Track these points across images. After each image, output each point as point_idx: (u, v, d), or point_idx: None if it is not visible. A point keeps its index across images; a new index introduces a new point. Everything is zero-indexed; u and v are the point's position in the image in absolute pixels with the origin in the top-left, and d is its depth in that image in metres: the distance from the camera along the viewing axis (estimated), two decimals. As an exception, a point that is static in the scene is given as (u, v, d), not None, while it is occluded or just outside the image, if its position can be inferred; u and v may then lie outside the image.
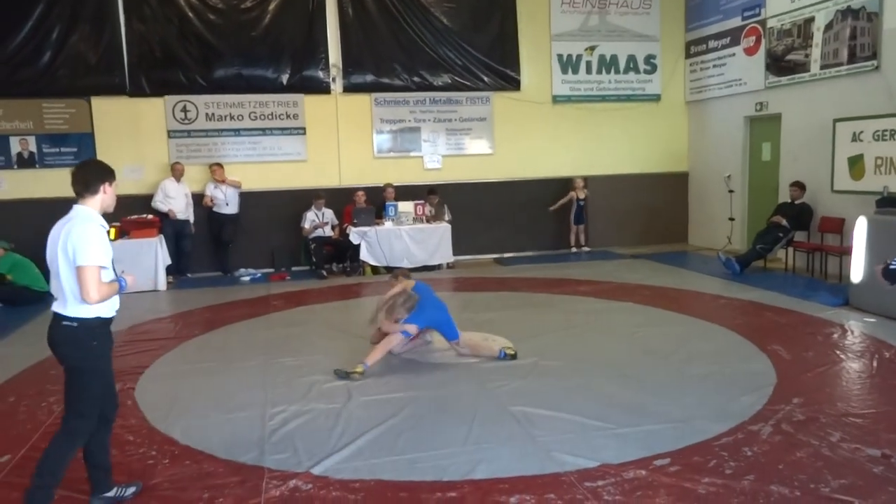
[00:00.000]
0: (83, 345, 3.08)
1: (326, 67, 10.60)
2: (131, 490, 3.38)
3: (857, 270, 6.87)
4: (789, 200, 9.17)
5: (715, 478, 3.41)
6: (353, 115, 10.83)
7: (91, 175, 3.14)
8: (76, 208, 3.13)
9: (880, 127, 7.97)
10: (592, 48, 11.60)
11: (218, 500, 3.34)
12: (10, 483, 3.58)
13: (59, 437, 3.14)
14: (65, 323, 3.06)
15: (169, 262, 9.35)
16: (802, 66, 9.38)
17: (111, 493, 3.31)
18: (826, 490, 3.26)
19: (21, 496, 3.40)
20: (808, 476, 3.40)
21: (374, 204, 10.31)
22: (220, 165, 10.06)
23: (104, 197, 3.17)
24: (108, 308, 3.14)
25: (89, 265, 2.96)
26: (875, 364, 5.18)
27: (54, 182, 9.70)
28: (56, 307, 3.10)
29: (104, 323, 3.16)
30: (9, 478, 3.65)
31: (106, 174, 3.18)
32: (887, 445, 3.69)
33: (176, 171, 9.85)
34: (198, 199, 10.01)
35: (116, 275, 3.17)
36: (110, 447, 3.39)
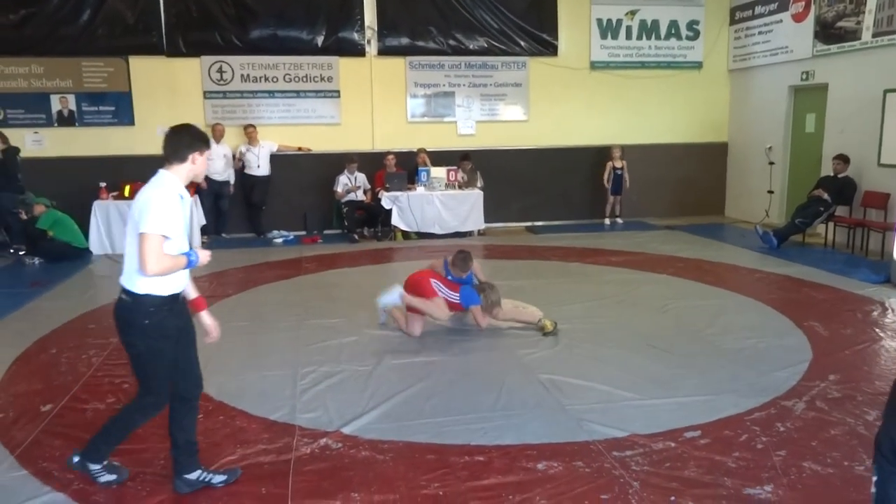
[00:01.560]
0: (135, 323, 2.85)
1: (362, 29, 10.51)
2: (220, 478, 3.13)
3: (902, 247, 6.67)
4: (832, 174, 8.91)
5: (745, 452, 3.38)
6: (388, 78, 10.75)
7: (182, 142, 2.91)
8: (158, 172, 2.90)
9: (934, 99, 7.66)
10: (633, 12, 11.28)
11: (250, 455, 3.41)
12: (52, 431, 3.71)
13: (128, 405, 3.10)
14: (122, 297, 2.88)
15: (204, 221, 9.48)
16: (853, 34, 9.00)
17: (193, 476, 3.09)
18: (860, 468, 3.20)
19: (63, 443, 3.54)
20: (841, 454, 3.35)
21: (406, 169, 10.28)
22: (253, 127, 10.10)
23: (192, 167, 2.92)
24: (164, 285, 2.84)
25: (151, 233, 2.69)
26: (916, 343, 5.05)
27: (93, 140, 9.88)
28: (121, 278, 2.90)
29: (162, 301, 2.86)
30: (51, 426, 3.78)
31: (198, 143, 2.94)
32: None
33: (216, 133, 9.91)
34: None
35: (190, 249, 2.91)
36: (194, 428, 3.15)
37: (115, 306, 2.93)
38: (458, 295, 5.28)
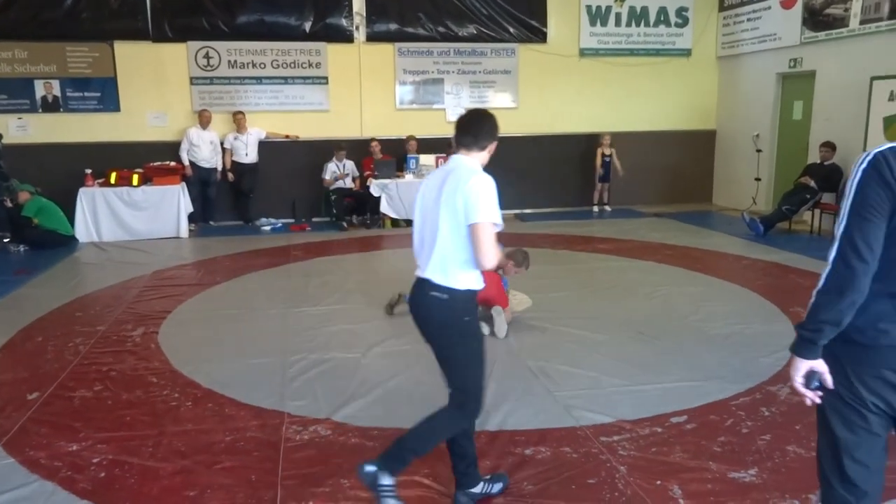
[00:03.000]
0: (457, 321, 2.64)
1: (350, 15, 10.42)
2: (498, 486, 2.92)
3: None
4: (818, 161, 8.96)
5: (731, 436, 3.42)
6: (376, 65, 10.68)
7: (486, 130, 2.75)
8: (460, 159, 2.72)
9: (919, 87, 7.71)
10: (623, -1, 11.27)
11: (240, 443, 3.42)
12: (39, 419, 3.70)
13: (445, 412, 2.73)
14: (433, 294, 2.62)
15: (191, 209, 9.42)
16: (841, 21, 9.03)
17: (477, 489, 2.86)
18: (843, 452, 3.25)
19: (50, 431, 3.53)
20: (825, 438, 3.39)
21: (395, 156, 10.24)
22: (242, 114, 10.02)
23: (485, 156, 2.78)
24: (478, 279, 2.68)
25: (487, 223, 2.53)
26: (899, 329, 5.11)
27: (78, 126, 9.75)
28: (423, 272, 2.68)
29: (474, 295, 2.70)
30: (38, 414, 3.76)
31: (497, 133, 2.80)
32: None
33: (203, 119, 9.83)
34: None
35: None
36: (474, 436, 2.93)
37: (421, 305, 2.71)
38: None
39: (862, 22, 8.69)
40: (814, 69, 9.60)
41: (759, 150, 10.56)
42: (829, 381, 1.91)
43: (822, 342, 1.88)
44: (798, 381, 1.92)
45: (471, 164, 2.71)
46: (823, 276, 1.87)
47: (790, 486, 2.97)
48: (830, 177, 8.77)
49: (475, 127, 2.75)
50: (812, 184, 8.79)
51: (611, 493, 2.93)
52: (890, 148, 1.78)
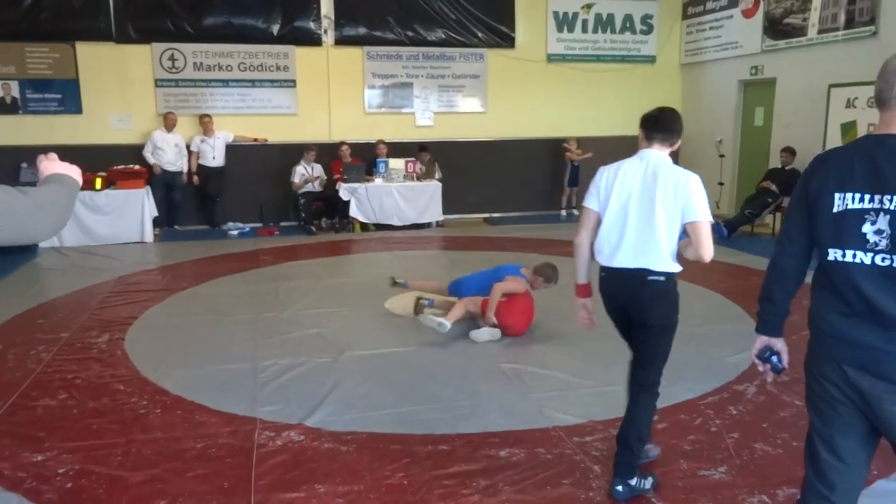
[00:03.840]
0: (673, 298, 2.88)
1: (318, 18, 10.37)
2: (649, 481, 2.97)
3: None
4: (780, 166, 9.20)
5: (700, 435, 3.49)
6: (345, 68, 10.64)
7: (679, 127, 2.94)
8: (659, 155, 2.88)
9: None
10: (589, 6, 11.42)
11: (211, 450, 3.37)
12: (1, 430, 3.59)
13: (645, 395, 2.95)
14: (651, 278, 2.81)
15: (156, 213, 9.25)
16: (800, 30, 9.29)
17: (633, 482, 2.92)
18: (808, 449, 3.34)
19: (12, 442, 3.43)
20: (790, 434, 3.48)
21: (364, 160, 10.22)
22: (209, 117, 9.89)
23: (673, 150, 2.95)
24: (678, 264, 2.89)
25: (706, 220, 2.77)
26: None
27: (39, 128, 9.52)
28: (638, 262, 2.82)
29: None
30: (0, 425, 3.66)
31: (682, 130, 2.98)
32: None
33: (168, 122, 9.67)
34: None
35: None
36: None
37: (639, 290, 2.84)
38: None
39: (819, 31, 8.96)
40: (774, 76, 9.85)
41: (721, 155, 10.79)
42: (785, 360, 2.15)
43: (764, 318, 2.16)
44: (753, 353, 2.20)
45: (668, 160, 2.89)
46: None
47: (758, 483, 3.04)
48: (791, 181, 9.00)
49: (672, 124, 2.93)
50: (773, 188, 9.02)
51: (585, 494, 2.97)
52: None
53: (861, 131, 8.16)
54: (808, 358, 2.04)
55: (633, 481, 2.92)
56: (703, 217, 2.75)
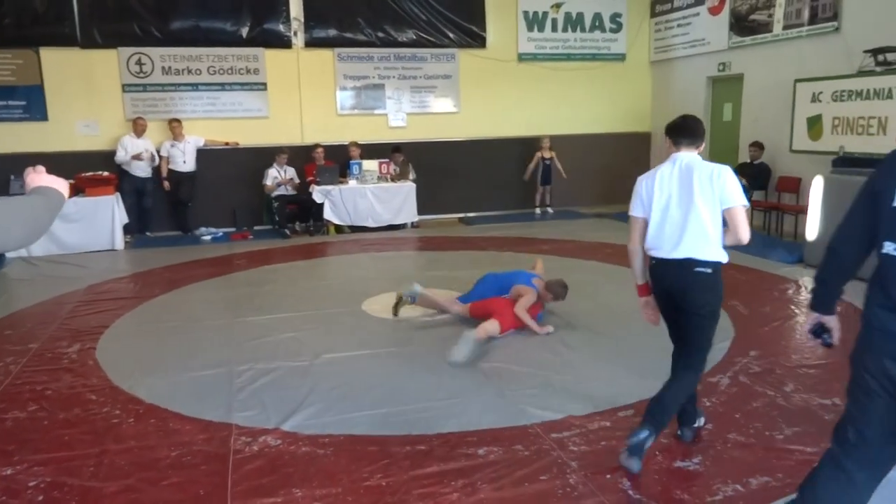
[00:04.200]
0: (718, 288, 3.09)
1: (288, 21, 10.30)
2: (701, 420, 3.48)
3: (812, 229, 7.06)
4: (748, 160, 9.34)
5: (675, 427, 3.51)
6: (316, 70, 10.59)
7: (702, 131, 3.22)
8: (691, 156, 3.15)
9: (839, 88, 8.12)
10: (558, 5, 11.49)
11: (186, 457, 3.32)
12: (-31, 443, 3.51)
13: (688, 375, 3.20)
14: (698, 269, 3.03)
15: (126, 220, 9.11)
16: (765, 27, 9.45)
17: (696, 423, 3.43)
18: (780, 437, 3.40)
19: (-18, 456, 3.35)
20: (763, 424, 3.54)
21: (337, 162, 10.17)
22: (178, 122, 9.77)
23: (699, 152, 3.20)
24: (726, 253, 3.11)
25: (742, 205, 3.00)
26: (827, 318, 5.36)
27: (3, 136, 9.26)
28: (685, 252, 3.03)
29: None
30: (-32, 438, 3.58)
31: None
32: (838, 394, 3.84)
33: (138, 127, 9.53)
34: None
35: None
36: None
37: (687, 280, 3.04)
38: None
39: (785, 27, 9.11)
40: (742, 72, 10.01)
41: (692, 151, 10.90)
42: (836, 336, 2.27)
43: (817, 297, 2.29)
44: (806, 328, 2.35)
45: (699, 157, 3.16)
46: None
47: (732, 473, 3.08)
48: (759, 175, 9.15)
49: (695, 129, 3.21)
50: (743, 182, 9.12)
51: (563, 489, 2.98)
52: None
53: (826, 125, 8.33)
54: (854, 348, 2.10)
55: (701, 421, 3.44)
56: (739, 202, 3.00)
